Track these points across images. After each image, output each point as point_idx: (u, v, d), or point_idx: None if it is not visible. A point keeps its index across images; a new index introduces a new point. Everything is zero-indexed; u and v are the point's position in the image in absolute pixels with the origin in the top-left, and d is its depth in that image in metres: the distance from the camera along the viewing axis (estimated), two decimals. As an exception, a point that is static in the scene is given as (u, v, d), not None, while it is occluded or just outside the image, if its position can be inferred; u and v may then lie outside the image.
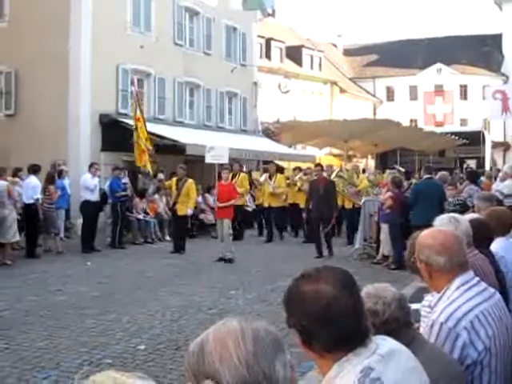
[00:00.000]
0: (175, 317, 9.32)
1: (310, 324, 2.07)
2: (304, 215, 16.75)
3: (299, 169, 22.11)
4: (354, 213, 17.97)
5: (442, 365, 2.61)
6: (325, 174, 17.13)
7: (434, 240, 3.17)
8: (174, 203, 16.50)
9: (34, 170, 15.90)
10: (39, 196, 15.57)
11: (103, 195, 17.42)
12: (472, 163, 31.41)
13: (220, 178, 16.01)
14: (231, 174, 18.38)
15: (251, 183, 21.08)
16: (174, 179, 16.69)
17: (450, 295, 3.08)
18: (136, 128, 17.64)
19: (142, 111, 18.02)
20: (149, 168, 17.56)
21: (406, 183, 16.56)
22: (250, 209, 22.21)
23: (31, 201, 15.31)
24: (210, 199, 20.23)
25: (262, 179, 20.83)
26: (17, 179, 15.37)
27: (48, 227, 16.11)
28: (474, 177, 15.92)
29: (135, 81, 18.81)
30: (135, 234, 18.40)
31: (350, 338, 2.09)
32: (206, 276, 12.94)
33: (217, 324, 1.62)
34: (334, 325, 2.06)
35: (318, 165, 17.48)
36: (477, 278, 3.21)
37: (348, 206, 18.71)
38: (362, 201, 16.34)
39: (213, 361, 1.52)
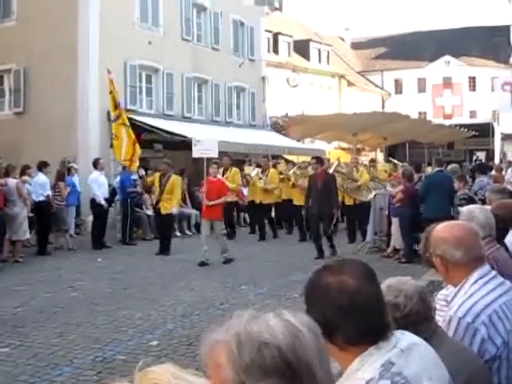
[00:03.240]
0: (187, 312, 9.34)
1: (334, 316, 2.05)
2: (303, 212, 15.54)
3: (292, 163, 21.07)
4: (355, 209, 17.26)
5: (463, 358, 2.60)
6: (323, 168, 15.57)
7: (449, 234, 3.13)
8: (158, 201, 15.61)
9: (41, 166, 15.94)
10: (49, 192, 15.61)
11: (112, 191, 17.43)
12: (481, 155, 31.38)
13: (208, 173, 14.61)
14: (222, 169, 17.69)
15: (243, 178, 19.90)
16: (157, 175, 15.76)
17: (468, 289, 3.04)
18: (114, 119, 16.95)
19: (115, 100, 16.98)
20: (122, 158, 16.85)
21: (416, 176, 16.50)
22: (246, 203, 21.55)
23: (41, 198, 15.35)
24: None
25: (253, 174, 19.68)
26: (26, 177, 15.40)
27: (58, 224, 16.16)
28: (483, 169, 15.84)
29: (110, 70, 17.58)
30: (145, 230, 18.40)
31: (374, 331, 2.09)
32: (216, 271, 12.94)
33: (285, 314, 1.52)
34: (359, 317, 2.06)
35: (316, 158, 16.02)
36: (494, 272, 3.18)
37: (348, 202, 17.55)
38: (373, 194, 16.27)
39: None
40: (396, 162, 22.63)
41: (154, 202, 15.87)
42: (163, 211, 15.43)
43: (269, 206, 19.07)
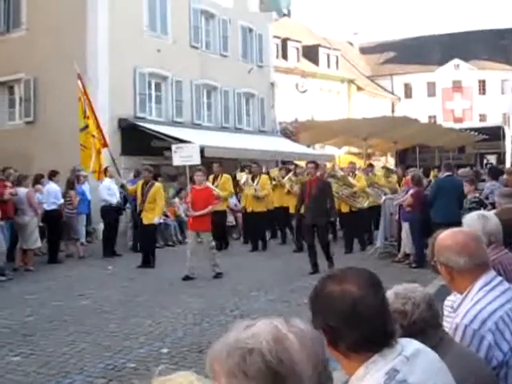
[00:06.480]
0: (197, 319, 9.32)
1: (337, 324, 2.07)
2: (293, 222, 14.67)
3: (286, 169, 19.98)
4: (351, 217, 16.59)
5: (470, 364, 2.59)
6: (317, 174, 14.24)
7: (452, 241, 3.12)
8: (140, 210, 14.60)
9: (51, 175, 16.03)
10: (62, 201, 15.68)
11: (123, 199, 17.46)
12: (492, 159, 31.27)
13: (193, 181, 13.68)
14: (213, 176, 17.01)
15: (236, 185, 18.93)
16: (140, 183, 14.93)
17: (474, 296, 3.03)
18: (83, 129, 16.85)
19: (90, 109, 16.89)
20: (90, 170, 16.80)
21: (425, 181, 16.43)
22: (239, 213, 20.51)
23: (52, 207, 15.40)
24: (231, 201, 19.66)
25: (242, 181, 18.57)
26: (39, 186, 15.48)
27: (69, 233, 16.22)
28: (495, 173, 15.72)
29: (80, 76, 17.49)
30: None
31: (377, 339, 2.10)
32: (226, 278, 12.90)
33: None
34: (361, 325, 2.07)
35: (312, 162, 14.37)
36: (500, 278, 3.16)
37: (345, 209, 16.67)
38: (383, 199, 16.19)
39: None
40: (389, 167, 22.57)
41: (138, 212, 14.97)
42: (145, 221, 14.50)
43: (261, 213, 17.75)
